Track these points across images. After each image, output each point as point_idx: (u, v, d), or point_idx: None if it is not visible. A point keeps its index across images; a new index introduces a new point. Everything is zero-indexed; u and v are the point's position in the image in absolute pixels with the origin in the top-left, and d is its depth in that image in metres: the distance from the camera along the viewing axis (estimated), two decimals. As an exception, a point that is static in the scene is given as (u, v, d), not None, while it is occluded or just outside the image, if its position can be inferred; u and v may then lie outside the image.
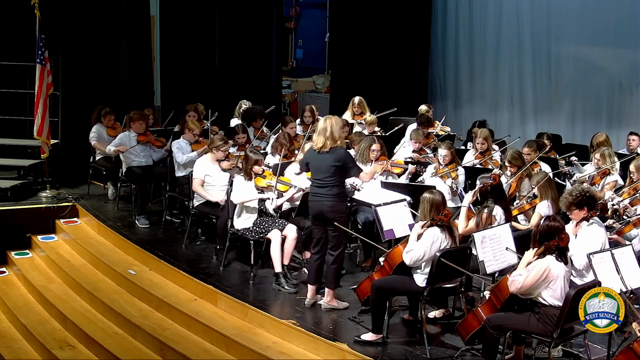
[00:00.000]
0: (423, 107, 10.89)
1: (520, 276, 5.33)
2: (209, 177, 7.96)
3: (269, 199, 7.33)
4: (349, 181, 7.57)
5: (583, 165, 8.88)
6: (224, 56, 12.65)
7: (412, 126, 10.16)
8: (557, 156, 9.07)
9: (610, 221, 6.95)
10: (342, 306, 6.72)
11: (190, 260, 7.89)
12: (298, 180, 7.58)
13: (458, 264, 5.98)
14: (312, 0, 17.66)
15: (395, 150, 8.84)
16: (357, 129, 10.18)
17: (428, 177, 8.13)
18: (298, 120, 10.07)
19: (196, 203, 8.06)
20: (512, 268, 5.73)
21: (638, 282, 5.81)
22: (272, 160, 8.33)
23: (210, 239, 8.28)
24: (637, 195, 7.36)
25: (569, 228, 6.08)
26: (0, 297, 8.33)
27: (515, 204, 7.29)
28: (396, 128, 10.37)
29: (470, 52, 13.51)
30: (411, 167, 8.37)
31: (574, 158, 8.99)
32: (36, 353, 7.30)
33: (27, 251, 9.13)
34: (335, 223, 6.48)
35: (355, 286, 6.58)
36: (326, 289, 6.71)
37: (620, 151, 9.35)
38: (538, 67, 12.51)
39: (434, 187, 6.79)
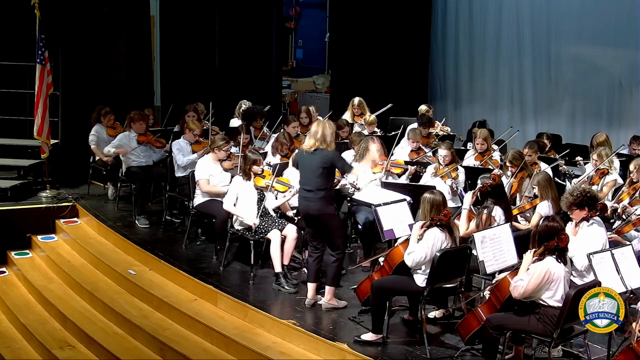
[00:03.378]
0: (423, 107, 10.88)
1: (522, 281, 5.31)
2: (211, 177, 7.95)
3: (255, 222, 7.17)
4: (348, 181, 7.57)
5: (585, 164, 8.87)
6: (224, 56, 12.66)
7: (412, 126, 10.15)
8: (557, 156, 9.07)
9: (616, 223, 6.95)
10: (342, 305, 6.72)
11: (190, 260, 7.89)
12: (297, 180, 7.57)
13: (458, 264, 5.99)
14: (312, 0, 17.66)
15: (393, 151, 8.80)
16: (357, 129, 10.18)
17: (429, 178, 8.12)
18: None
19: (196, 203, 8.05)
20: (512, 268, 5.73)
21: (638, 282, 5.81)
22: (273, 160, 8.32)
23: (210, 239, 8.27)
24: (637, 195, 7.35)
25: (569, 228, 6.08)
26: (0, 297, 8.33)
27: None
28: (397, 132, 10.33)
29: (470, 52, 13.51)
30: (411, 168, 8.36)
31: (579, 158, 8.96)
32: (36, 353, 7.30)
33: (27, 251, 9.13)
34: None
35: (355, 286, 6.59)
36: (326, 288, 6.72)
37: (621, 151, 9.33)
38: (538, 67, 12.51)
39: (434, 187, 6.79)
